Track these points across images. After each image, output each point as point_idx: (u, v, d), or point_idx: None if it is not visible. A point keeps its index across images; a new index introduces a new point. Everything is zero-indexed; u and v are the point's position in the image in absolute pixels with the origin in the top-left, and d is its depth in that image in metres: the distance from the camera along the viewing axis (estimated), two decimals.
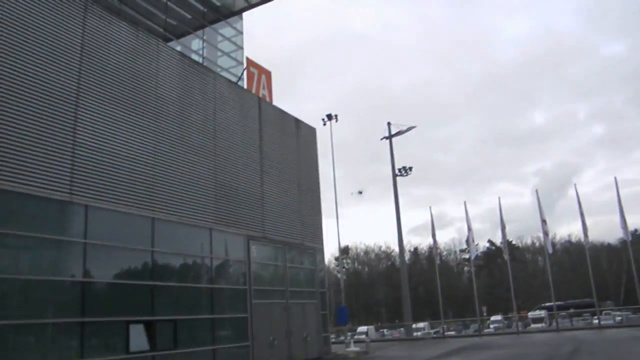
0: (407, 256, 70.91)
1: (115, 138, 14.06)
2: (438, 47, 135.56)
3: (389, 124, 42.37)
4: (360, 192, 36.31)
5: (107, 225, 13.42)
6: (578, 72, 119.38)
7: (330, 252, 76.88)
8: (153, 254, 14.63)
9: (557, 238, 77.50)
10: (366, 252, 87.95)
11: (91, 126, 13.40)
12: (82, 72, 13.50)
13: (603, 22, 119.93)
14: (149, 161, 15.00)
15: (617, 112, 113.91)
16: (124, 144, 14.27)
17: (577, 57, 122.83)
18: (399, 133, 42.06)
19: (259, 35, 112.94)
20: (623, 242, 51.22)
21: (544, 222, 40.59)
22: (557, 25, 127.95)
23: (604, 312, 44.99)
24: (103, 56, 14.29)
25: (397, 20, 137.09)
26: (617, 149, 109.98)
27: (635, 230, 67.47)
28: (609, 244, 70.52)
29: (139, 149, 14.74)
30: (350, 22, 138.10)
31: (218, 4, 23.04)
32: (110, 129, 13.94)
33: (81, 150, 12.96)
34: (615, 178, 36.87)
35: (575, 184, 49.62)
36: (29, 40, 12.32)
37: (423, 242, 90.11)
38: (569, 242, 77.12)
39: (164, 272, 15.11)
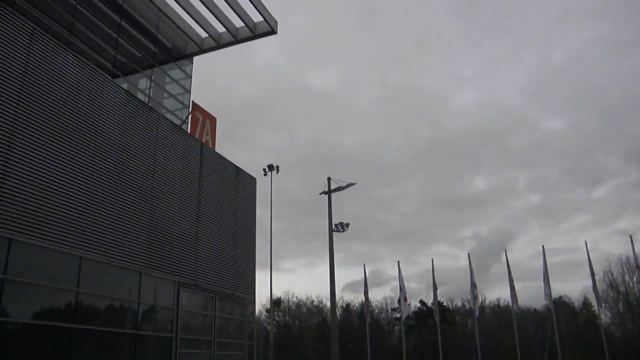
0: (339, 312, 70.51)
1: (49, 171, 13.50)
2: (391, 109, 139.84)
3: (329, 179, 42.87)
4: None
5: (30, 261, 12.74)
6: (519, 143, 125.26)
7: (262, 302, 75.53)
8: (77, 294, 13.92)
9: (487, 302, 78.95)
10: (298, 306, 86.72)
11: (25, 157, 12.85)
12: (21, 100, 13.06)
13: (545, 98, 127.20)
14: (82, 198, 14.44)
15: (553, 184, 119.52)
16: (57, 178, 13.71)
17: (519, 129, 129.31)
18: (338, 189, 42.49)
19: (215, 81, 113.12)
20: (548, 308, 52.85)
21: (474, 285, 41.83)
22: (503, 97, 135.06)
23: None
24: (45, 86, 13.89)
25: (356, 81, 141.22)
26: (550, 219, 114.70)
27: (560, 298, 69.90)
28: (535, 310, 72.39)
29: (72, 185, 14.19)
30: (310, 77, 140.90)
31: (169, 45, 23.06)
32: (44, 161, 13.40)
33: (11, 181, 12.37)
34: (543, 247, 38.64)
35: (505, 250, 51.31)
36: None
37: (357, 298, 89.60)
38: (498, 306, 78.66)
39: (87, 314, 14.34)
